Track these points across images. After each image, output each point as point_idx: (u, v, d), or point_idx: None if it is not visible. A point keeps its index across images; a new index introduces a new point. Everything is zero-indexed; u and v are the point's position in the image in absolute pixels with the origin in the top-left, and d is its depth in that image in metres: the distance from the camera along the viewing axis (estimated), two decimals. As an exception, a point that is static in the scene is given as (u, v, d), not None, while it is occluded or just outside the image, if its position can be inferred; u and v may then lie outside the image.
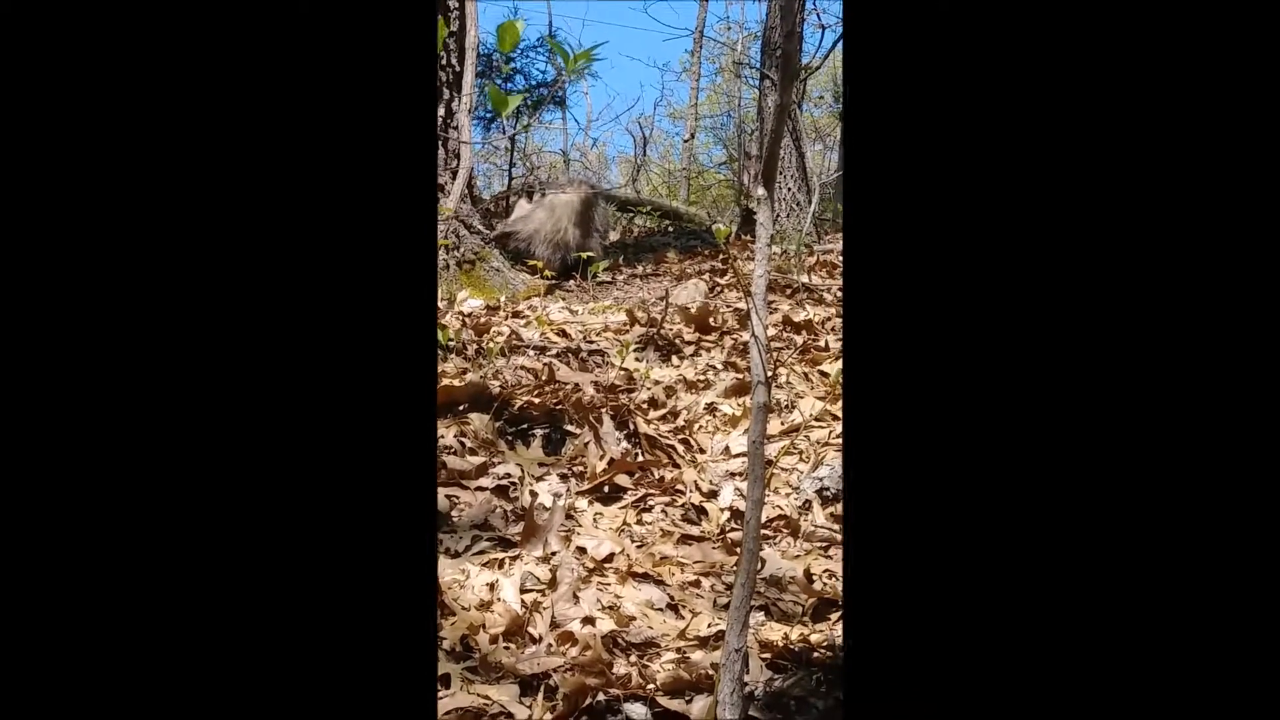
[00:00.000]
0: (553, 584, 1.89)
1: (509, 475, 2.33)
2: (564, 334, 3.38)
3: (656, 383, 2.94)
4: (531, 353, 3.10)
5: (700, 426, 2.71)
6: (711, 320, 3.57)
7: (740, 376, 3.00)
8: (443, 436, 2.42)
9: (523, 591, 1.88)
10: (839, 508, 2.31)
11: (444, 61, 4.38)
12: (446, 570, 1.91)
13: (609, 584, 1.93)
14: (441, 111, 4.35)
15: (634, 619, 1.81)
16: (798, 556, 2.10)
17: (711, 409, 2.80)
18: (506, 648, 1.70)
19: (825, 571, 2.02)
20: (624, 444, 2.52)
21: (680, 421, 2.72)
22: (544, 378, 2.84)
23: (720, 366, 3.16)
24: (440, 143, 4.29)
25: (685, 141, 11.71)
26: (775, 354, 3.16)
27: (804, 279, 4.30)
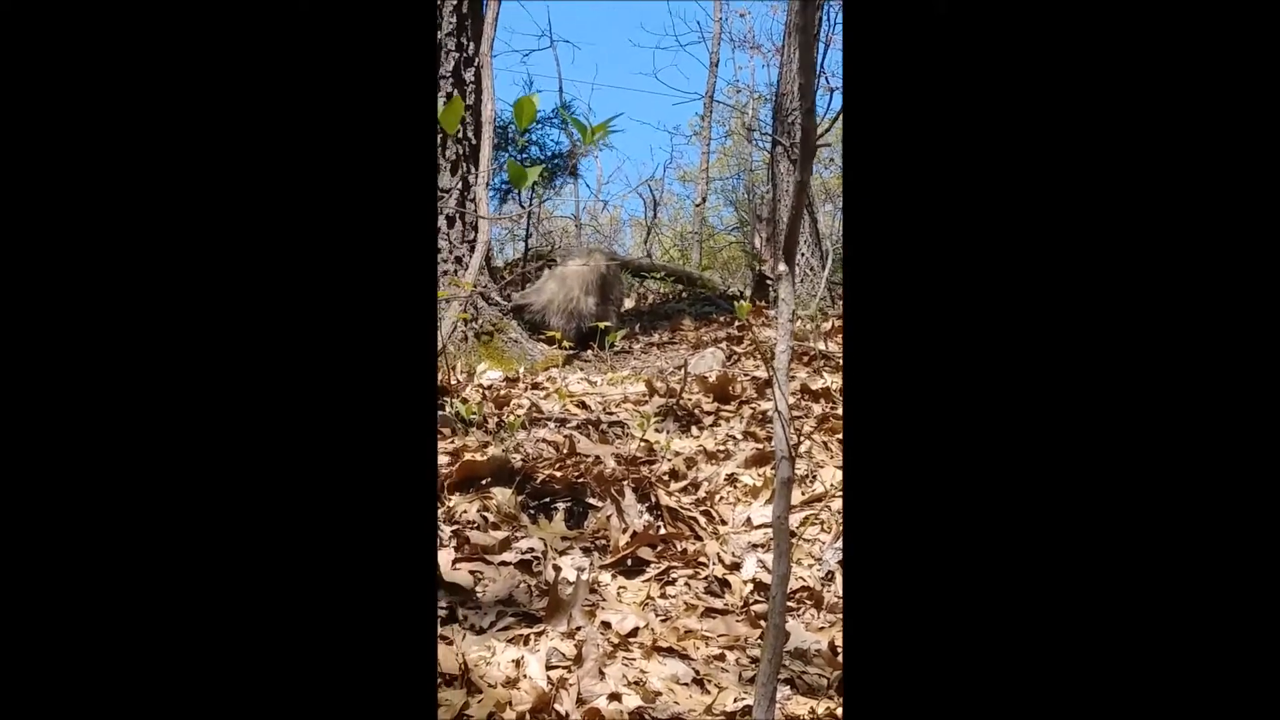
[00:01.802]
0: (578, 660, 1.89)
1: (532, 550, 2.33)
2: (584, 405, 3.40)
3: (677, 454, 2.95)
4: (552, 425, 3.12)
5: (721, 498, 2.72)
6: (730, 389, 3.59)
7: (760, 446, 3.01)
8: (465, 511, 2.44)
9: (549, 668, 1.88)
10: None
11: (460, 135, 4.44)
12: (472, 647, 1.92)
13: (634, 659, 1.94)
14: (459, 185, 4.40)
15: (660, 694, 1.81)
16: (822, 628, 2.11)
17: (732, 480, 2.81)
18: (534, 726, 1.71)
19: (850, 644, 2.02)
20: (646, 516, 2.53)
21: (701, 493, 2.73)
22: (565, 450, 2.85)
23: (740, 436, 3.17)
24: (459, 216, 4.34)
25: (696, 206, 11.78)
26: (796, 424, 3.17)
27: (821, 345, 4.32)
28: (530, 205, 6.89)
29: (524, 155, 6.83)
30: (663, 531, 2.48)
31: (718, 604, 2.21)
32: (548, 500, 2.58)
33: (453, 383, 3.38)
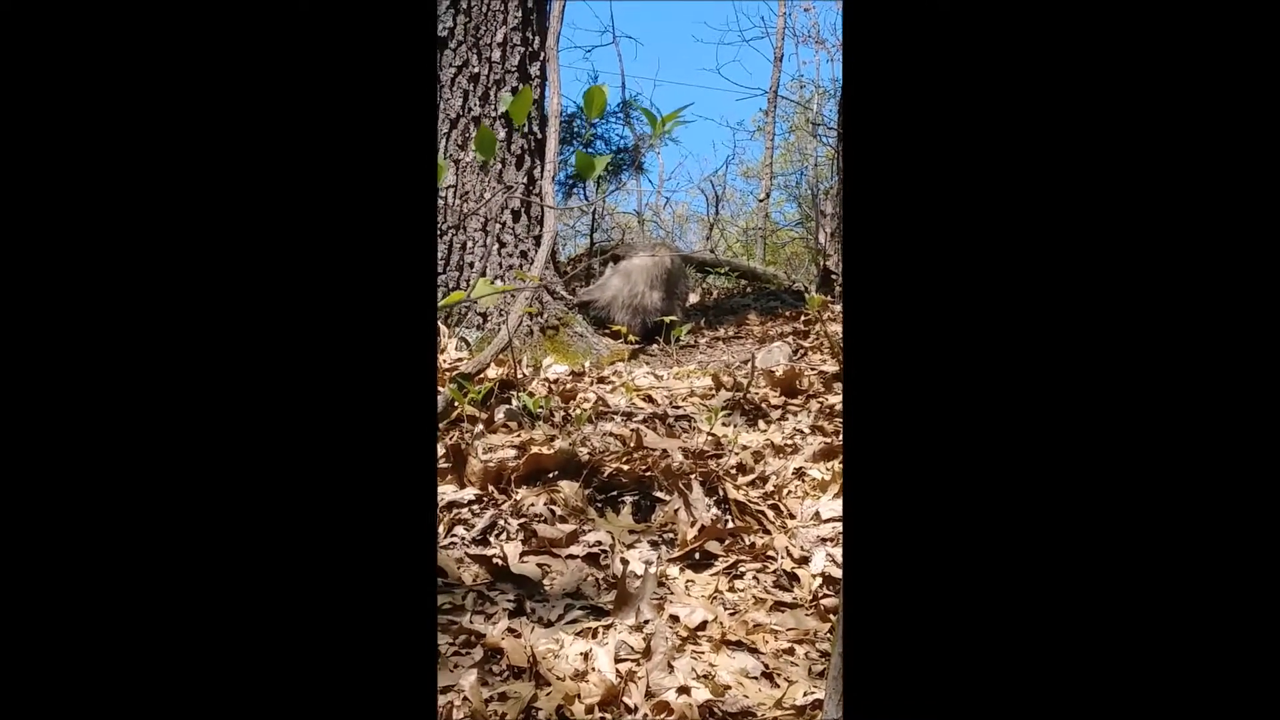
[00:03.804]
0: (647, 653, 1.89)
1: (600, 543, 2.33)
2: (650, 399, 3.40)
3: (744, 448, 2.94)
4: (618, 419, 3.12)
5: (789, 491, 2.70)
6: (797, 383, 3.57)
7: (828, 440, 2.99)
8: (533, 505, 2.44)
9: (617, 661, 1.87)
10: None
11: (526, 129, 4.45)
12: (540, 640, 1.92)
13: (703, 652, 1.93)
14: (524, 178, 4.41)
15: (729, 688, 1.80)
16: (893, 624, 2.08)
17: (800, 474, 2.79)
18: (603, 718, 1.70)
19: (921, 639, 1.99)
20: (713, 510, 2.52)
21: (769, 487, 2.71)
22: (632, 444, 2.85)
23: (807, 430, 3.14)
24: (524, 210, 4.36)
25: (760, 201, 11.73)
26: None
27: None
28: (595, 200, 6.90)
29: (589, 150, 6.84)
30: (730, 525, 2.46)
31: (786, 598, 2.19)
32: (615, 493, 2.58)
33: (519, 376, 3.38)
